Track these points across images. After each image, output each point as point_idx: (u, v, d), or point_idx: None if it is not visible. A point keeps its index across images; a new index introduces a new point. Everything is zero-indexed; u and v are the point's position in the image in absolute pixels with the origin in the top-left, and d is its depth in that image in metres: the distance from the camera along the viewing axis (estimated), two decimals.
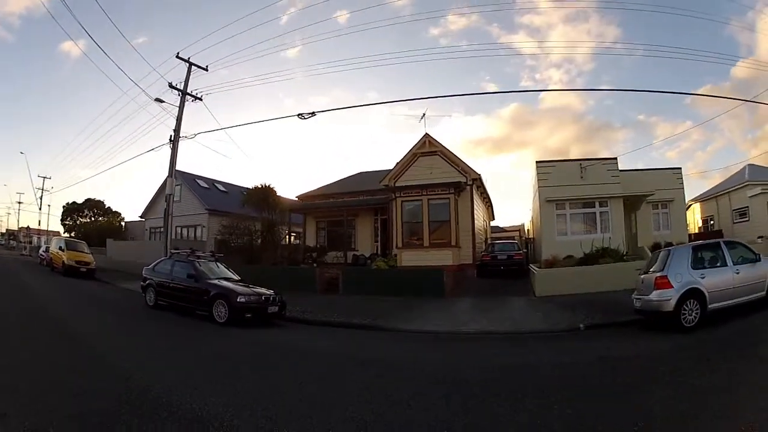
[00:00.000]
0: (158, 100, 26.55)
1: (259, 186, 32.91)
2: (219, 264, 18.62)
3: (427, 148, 28.26)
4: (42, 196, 64.03)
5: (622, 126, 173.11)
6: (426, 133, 28.54)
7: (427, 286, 21.39)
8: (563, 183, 26.61)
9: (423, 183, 26.51)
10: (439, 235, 25.85)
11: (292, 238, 40.02)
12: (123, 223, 60.10)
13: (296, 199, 36.20)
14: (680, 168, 32.23)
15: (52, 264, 34.10)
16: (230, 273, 18.19)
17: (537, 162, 29.01)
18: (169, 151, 26.60)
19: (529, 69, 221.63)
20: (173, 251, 19.60)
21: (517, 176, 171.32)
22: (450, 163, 27.75)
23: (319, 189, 36.86)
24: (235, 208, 33.60)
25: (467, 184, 27.14)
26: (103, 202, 67.54)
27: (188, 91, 26.81)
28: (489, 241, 34.28)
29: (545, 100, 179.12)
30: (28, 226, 74.77)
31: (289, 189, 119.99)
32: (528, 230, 46.02)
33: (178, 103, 26.61)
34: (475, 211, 28.31)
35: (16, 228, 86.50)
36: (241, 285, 16.16)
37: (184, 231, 41.86)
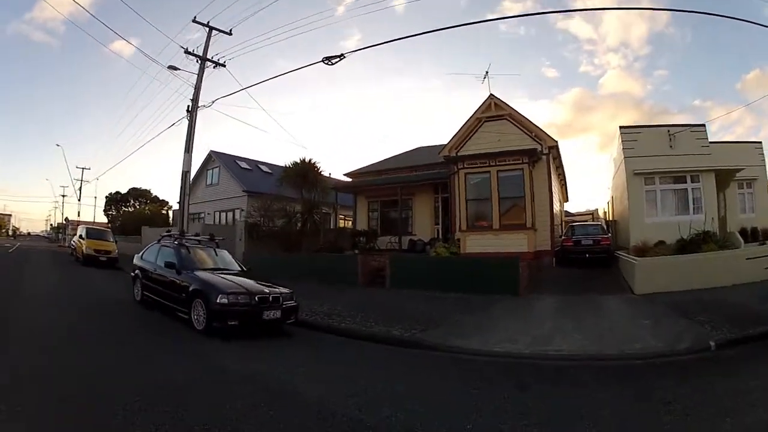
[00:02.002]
0: (172, 67, 23.22)
1: (299, 162, 28.67)
2: (218, 251, 14.69)
3: (493, 111, 23.89)
4: (81, 186, 61.91)
5: (678, 111, 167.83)
6: (491, 94, 24.09)
7: (498, 279, 16.77)
8: (651, 153, 22.86)
9: (490, 151, 22.08)
10: (511, 216, 21.48)
11: (342, 221, 36.89)
12: (170, 212, 56.98)
13: (345, 178, 32.20)
14: (761, 142, 28.10)
15: (76, 254, 32.52)
16: (232, 262, 14.36)
17: (621, 127, 25.07)
18: (187, 124, 23.23)
19: (587, 54, 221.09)
20: (163, 234, 15.53)
21: (581, 161, 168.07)
22: (521, 128, 23.31)
23: (370, 166, 32.76)
24: (283, 191, 29.56)
25: (543, 153, 22.68)
26: (149, 191, 68.38)
27: (209, 56, 23.67)
28: (569, 224, 29.23)
29: (605, 85, 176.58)
30: (66, 218, 73.40)
31: (338, 169, 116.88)
32: (605, 213, 41.35)
33: (197, 71, 23.51)
34: (552, 187, 23.88)
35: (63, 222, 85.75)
36: (236, 279, 11.96)
37: (222, 215, 39.02)
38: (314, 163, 28.59)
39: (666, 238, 19.67)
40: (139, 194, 70.46)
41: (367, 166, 32.64)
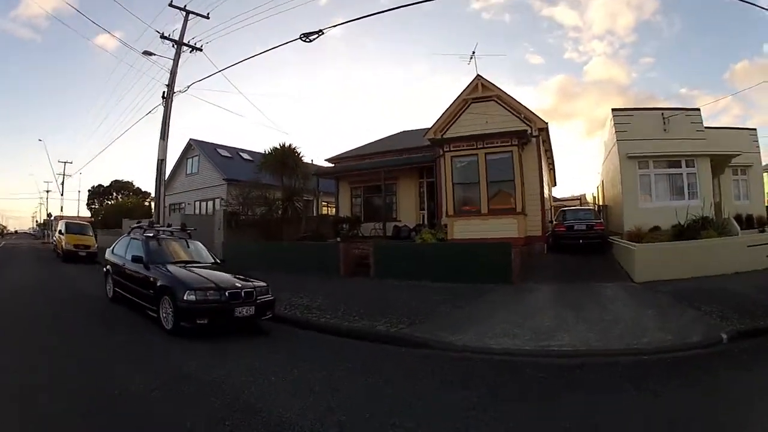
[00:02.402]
0: (147, 53, 22.80)
1: (278, 147, 27.45)
2: (191, 242, 13.69)
3: (480, 92, 22.98)
4: (63, 181, 61.51)
5: (665, 98, 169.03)
6: (478, 75, 23.21)
7: (489, 267, 15.79)
8: (645, 136, 22.69)
9: (478, 133, 21.22)
10: (500, 200, 20.73)
11: (324, 208, 36.25)
12: (153, 203, 55.95)
13: (328, 164, 31.24)
14: (755, 129, 28.23)
15: (57, 250, 31.96)
16: (206, 254, 13.37)
17: (613, 110, 24.55)
18: (163, 110, 22.47)
19: (572, 41, 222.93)
20: (133, 226, 14.61)
21: (565, 147, 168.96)
22: (509, 109, 22.44)
23: (353, 150, 31.78)
24: (263, 178, 28.65)
25: (533, 136, 21.84)
26: (131, 183, 68.31)
27: (185, 41, 22.96)
28: (560, 209, 28.47)
29: (590, 72, 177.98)
30: (49, 214, 72.18)
31: (320, 155, 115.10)
32: (593, 198, 40.82)
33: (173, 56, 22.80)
34: (543, 170, 23.13)
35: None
36: (208, 273, 10.98)
37: (203, 205, 38.09)
38: (294, 148, 27.46)
39: (661, 224, 19.44)
40: (121, 186, 70.00)
41: (349, 151, 31.67)
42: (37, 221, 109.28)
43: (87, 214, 66.79)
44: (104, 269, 14.53)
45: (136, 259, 11.79)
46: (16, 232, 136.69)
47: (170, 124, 22.24)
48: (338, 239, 22.09)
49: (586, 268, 17.68)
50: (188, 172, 40.47)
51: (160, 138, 21.93)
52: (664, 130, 22.47)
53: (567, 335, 9.23)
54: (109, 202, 65.59)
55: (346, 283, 17.01)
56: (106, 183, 71.83)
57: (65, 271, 23.47)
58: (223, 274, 11.09)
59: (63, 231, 30.82)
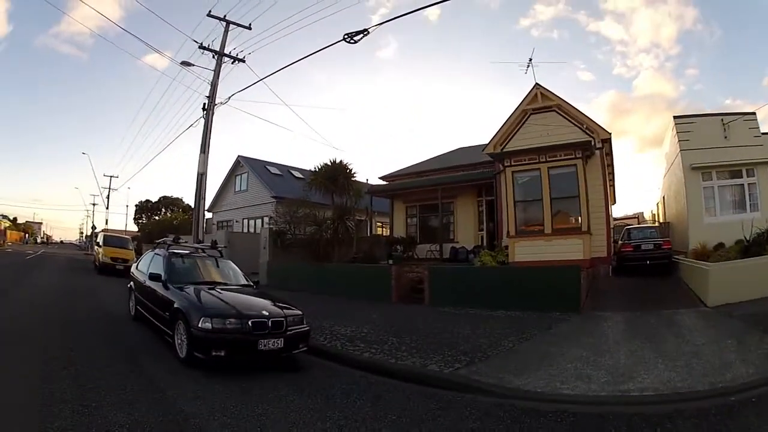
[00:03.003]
0: (186, 63, 22.15)
1: (329, 163, 26.18)
2: (221, 261, 12.51)
3: (540, 102, 21.40)
4: (109, 194, 61.88)
5: (712, 110, 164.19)
6: (536, 83, 21.60)
7: (555, 293, 14.26)
8: (707, 145, 21.11)
9: (540, 146, 19.69)
10: (564, 218, 19.19)
11: (379, 229, 34.99)
12: (204, 220, 55.73)
13: (381, 182, 29.92)
14: None
15: (95, 261, 31.31)
16: (237, 275, 12.16)
17: (675, 117, 23.32)
18: (203, 123, 22.05)
19: (620, 55, 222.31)
20: (158, 241, 13.67)
21: (619, 164, 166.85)
22: (571, 120, 20.80)
23: (407, 168, 30.48)
24: (315, 197, 27.29)
25: (596, 147, 20.06)
26: (180, 199, 68.08)
27: (226, 52, 22.44)
28: (625, 227, 26.77)
29: (639, 87, 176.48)
30: (94, 226, 72.95)
31: (373, 174, 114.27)
32: (652, 216, 39.26)
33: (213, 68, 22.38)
34: (607, 185, 21.45)
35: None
36: (233, 297, 9.76)
37: (250, 222, 37.41)
38: (346, 164, 26.11)
39: (725, 240, 18.31)
40: (169, 202, 70.34)
41: (403, 169, 30.41)
42: (82, 233, 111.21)
43: (134, 228, 68.01)
44: (128, 285, 13.70)
45: (154, 277, 10.81)
46: (61, 242, 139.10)
47: (211, 137, 21.79)
48: (390, 261, 20.64)
49: (654, 292, 16.51)
50: (237, 190, 40.04)
51: (201, 151, 21.35)
52: (725, 137, 21.01)
53: (647, 375, 7.87)
54: (157, 218, 65.67)
55: (397, 310, 15.67)
56: (154, 198, 72.74)
57: (97, 282, 22.91)
58: (253, 299, 9.99)
59: (101, 243, 30.67)
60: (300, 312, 9.54)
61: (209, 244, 13.48)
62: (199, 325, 8.29)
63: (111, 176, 62.55)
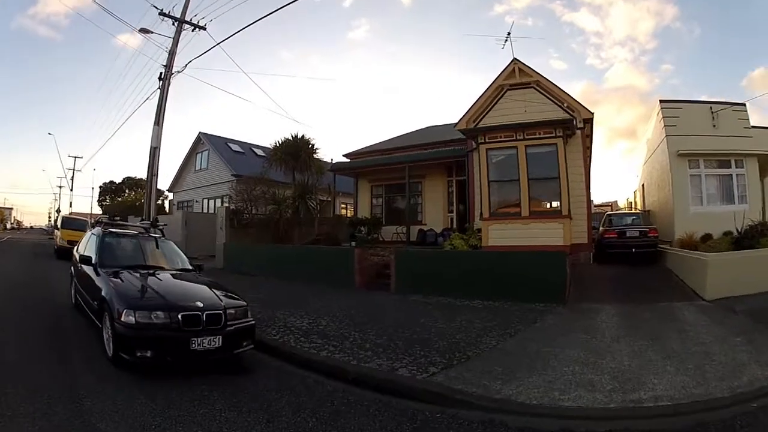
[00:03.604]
0: (144, 30, 20.54)
1: (290, 138, 24.56)
2: (163, 242, 10.80)
3: (518, 77, 19.83)
4: (73, 176, 61.71)
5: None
6: (515, 58, 20.09)
7: (537, 282, 12.87)
8: (694, 132, 20.61)
9: (518, 122, 18.20)
10: (542, 201, 18.00)
11: (343, 210, 34.14)
12: (167, 201, 54.15)
13: (345, 160, 28.14)
14: None
15: (54, 246, 29.92)
16: (178, 258, 10.57)
17: (661, 101, 22.37)
18: (159, 93, 20.35)
19: (594, 47, 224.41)
20: (95, 221, 12.08)
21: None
22: (551, 97, 19.29)
23: (374, 145, 28.89)
24: (275, 175, 26.08)
25: (577, 127, 18.70)
26: (144, 180, 64.10)
27: (186, 18, 20.74)
28: (605, 213, 25.99)
29: (611, 79, 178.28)
30: (58, 210, 71.04)
31: (337, 153, 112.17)
32: (629, 204, 38.33)
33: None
34: (588, 168, 20.28)
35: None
36: (167, 284, 8.38)
37: (211, 203, 35.76)
38: (308, 140, 24.54)
39: (712, 231, 17.82)
40: (133, 183, 68.24)
41: (369, 146, 28.75)
42: (50, 218, 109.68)
43: (99, 210, 65.85)
44: (70, 270, 12.17)
45: (84, 260, 9.46)
46: (31, 227, 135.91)
47: (166, 110, 20.15)
48: (352, 244, 19.07)
49: (643, 282, 15.49)
50: (197, 168, 38.55)
51: (155, 123, 19.70)
52: (713, 125, 20.40)
53: (658, 380, 6.72)
54: (119, 199, 64.01)
55: (360, 298, 14.17)
56: (118, 179, 71.04)
57: (51, 267, 21.26)
58: (190, 286, 8.55)
59: (59, 226, 29.51)
60: (244, 303, 8.03)
61: (149, 223, 11.88)
62: (122, 319, 6.83)
63: (75, 157, 61.92)
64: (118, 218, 12.09)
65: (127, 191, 68.09)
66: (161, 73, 20.09)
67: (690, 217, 19.61)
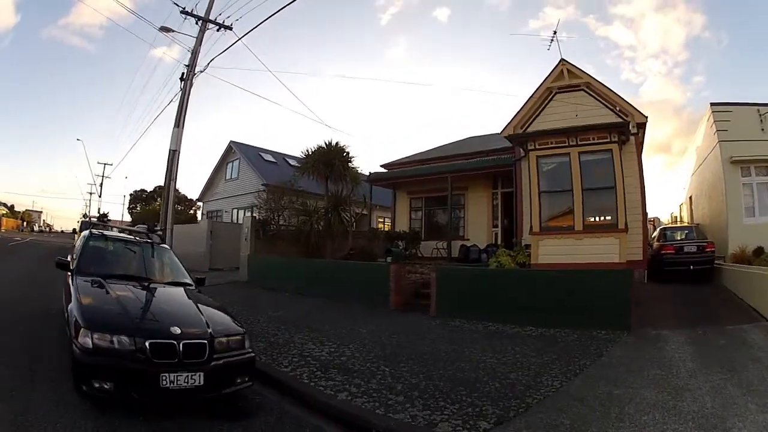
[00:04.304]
0: (165, 29, 19.26)
1: (324, 146, 23.05)
2: (159, 249, 9.38)
3: (567, 79, 18.35)
4: (102, 182, 61.97)
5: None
6: (562, 59, 18.59)
7: (597, 305, 11.16)
8: (744, 137, 18.74)
9: (569, 126, 16.75)
10: (597, 213, 16.35)
11: (380, 224, 32.61)
12: (199, 212, 53.53)
13: (382, 171, 26.57)
14: None
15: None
16: (176, 269, 9.03)
17: (712, 104, 20.42)
18: (180, 94, 19.12)
19: (628, 60, 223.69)
20: (87, 220, 10.78)
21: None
22: (602, 100, 17.74)
23: (413, 156, 27.33)
24: (308, 185, 24.86)
25: (632, 133, 17.07)
26: (177, 190, 63.66)
27: (211, 18, 19.54)
28: (660, 227, 24.23)
29: (645, 93, 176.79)
30: (84, 215, 71.33)
31: (372, 163, 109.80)
32: (674, 219, 35.24)
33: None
34: (643, 176, 18.27)
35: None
36: (153, 299, 7.04)
37: (240, 213, 34.38)
38: (342, 147, 23.01)
39: (764, 244, 16.36)
40: None
41: (408, 156, 27.27)
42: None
43: (128, 217, 66.60)
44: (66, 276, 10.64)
45: (61, 266, 7.96)
46: (62, 231, 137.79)
47: (188, 110, 18.96)
48: (388, 259, 17.41)
49: (704, 303, 13.82)
50: (227, 178, 37.63)
51: (175, 125, 18.48)
52: (762, 129, 18.67)
53: (743, 424, 5.64)
54: (152, 208, 63.96)
55: (395, 321, 12.38)
56: (150, 188, 70.98)
57: (58, 276, 19.97)
58: (176, 305, 7.09)
59: (77, 231, 28.88)
60: (240, 330, 6.46)
61: (146, 228, 10.42)
62: (78, 340, 5.39)
63: (105, 164, 61.90)
64: (108, 219, 10.68)
65: (158, 199, 67.91)
66: (183, 74, 19.03)
67: (743, 229, 18.12)
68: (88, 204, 74.84)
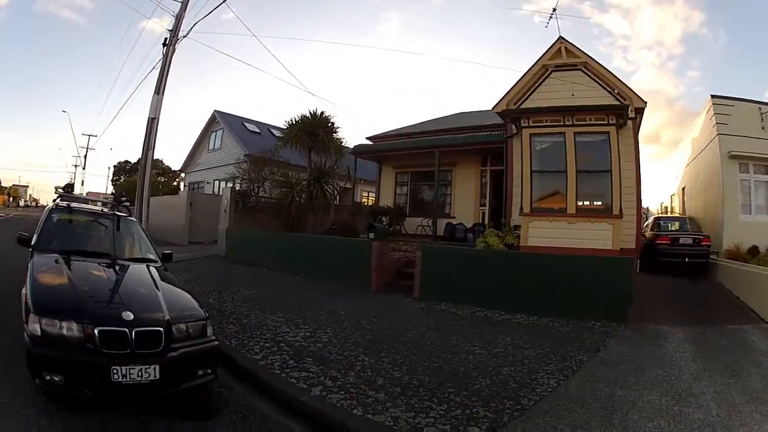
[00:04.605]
0: None
1: (308, 115, 22.34)
2: (126, 222, 8.42)
3: (564, 57, 17.56)
4: (86, 154, 61.39)
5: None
6: (560, 37, 17.77)
7: (592, 293, 10.52)
8: (743, 133, 18.75)
9: (566, 105, 16.05)
10: (591, 198, 15.68)
11: (365, 199, 31.98)
12: (182, 183, 52.58)
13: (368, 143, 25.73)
14: None
15: None
16: (143, 245, 8.18)
17: (712, 96, 20.22)
18: (162, 59, 18.56)
19: (621, 49, 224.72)
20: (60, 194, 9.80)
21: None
22: (600, 82, 16.94)
23: (400, 129, 26.44)
24: (293, 157, 24.14)
25: (629, 117, 16.32)
26: (160, 161, 65.09)
27: None
28: (653, 216, 24.20)
29: (637, 82, 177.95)
30: (66, 187, 69.54)
31: (358, 136, 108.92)
32: (665, 210, 34.48)
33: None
34: (639, 164, 17.65)
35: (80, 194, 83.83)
36: (113, 279, 6.28)
37: (222, 184, 33.37)
38: (327, 116, 22.41)
39: (759, 243, 16.44)
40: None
41: (395, 129, 26.38)
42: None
43: (111, 189, 65.79)
44: None
45: (22, 242, 7.18)
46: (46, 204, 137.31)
47: (169, 77, 18.48)
48: (370, 235, 16.64)
49: (700, 299, 13.61)
50: (210, 148, 36.72)
51: (155, 92, 17.77)
52: (762, 128, 18.62)
53: None
54: (132, 179, 63.32)
55: (376, 303, 11.63)
56: (134, 159, 69.53)
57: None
58: (135, 285, 6.29)
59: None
60: (202, 314, 5.74)
61: (113, 198, 9.64)
62: (28, 326, 4.77)
63: (89, 135, 60.90)
64: (72, 189, 9.94)
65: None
66: (166, 39, 18.30)
67: (739, 226, 17.99)
68: (73, 177, 74.00)
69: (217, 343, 5.69)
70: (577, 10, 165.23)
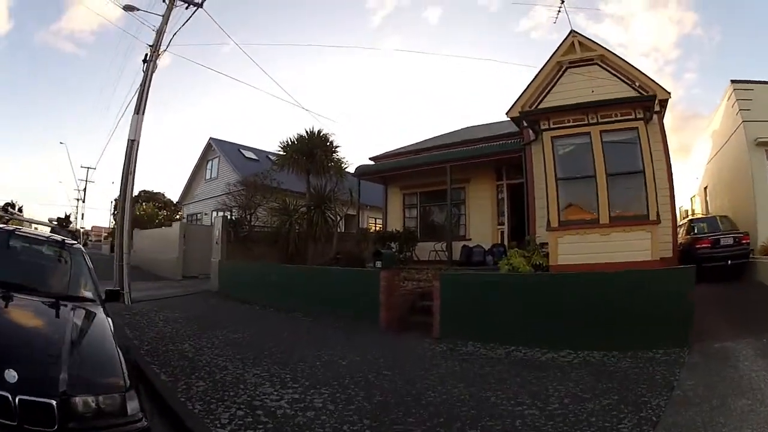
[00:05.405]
0: (129, 8, 17.48)
1: (304, 135, 20.72)
2: (70, 251, 6.78)
3: (578, 53, 16.12)
4: (86, 187, 58.57)
5: (709, 114, 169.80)
6: (572, 30, 16.44)
7: (647, 315, 8.74)
8: (766, 117, 17.69)
9: (588, 100, 14.42)
10: (624, 203, 13.78)
11: (372, 225, 30.53)
12: (182, 215, 51.71)
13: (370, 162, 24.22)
14: None
15: None
16: (80, 279, 6.33)
17: (733, 81, 19.43)
18: (143, 77, 17.44)
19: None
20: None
21: None
22: (620, 75, 15.39)
23: (406, 147, 24.86)
24: (290, 183, 22.88)
25: (655, 111, 14.72)
26: (162, 194, 65.03)
27: None
28: (687, 219, 22.31)
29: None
30: (61, 219, 69.10)
31: (361, 158, 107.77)
32: (685, 213, 32.02)
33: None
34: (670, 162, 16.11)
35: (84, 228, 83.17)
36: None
37: (219, 215, 31.55)
38: (325, 135, 20.80)
39: None
40: (150, 197, 66.10)
41: (400, 148, 24.81)
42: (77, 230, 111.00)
43: (112, 223, 64.49)
44: None
45: None
46: None
47: (149, 94, 17.29)
48: (377, 264, 14.63)
49: (746, 303, 12.63)
50: (207, 178, 35.73)
51: (135, 111, 16.65)
52: None
53: None
54: (137, 213, 62.78)
55: (387, 347, 9.47)
56: (135, 193, 68.28)
57: None
58: (53, 331, 4.52)
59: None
60: (120, 383, 3.88)
61: (57, 225, 8.20)
62: None
63: (88, 168, 59.22)
64: (14, 210, 8.52)
65: (144, 204, 66.28)
66: (146, 55, 17.18)
67: None
68: (76, 211, 73.70)
69: (144, 425, 3.81)
70: (574, 22, 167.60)
